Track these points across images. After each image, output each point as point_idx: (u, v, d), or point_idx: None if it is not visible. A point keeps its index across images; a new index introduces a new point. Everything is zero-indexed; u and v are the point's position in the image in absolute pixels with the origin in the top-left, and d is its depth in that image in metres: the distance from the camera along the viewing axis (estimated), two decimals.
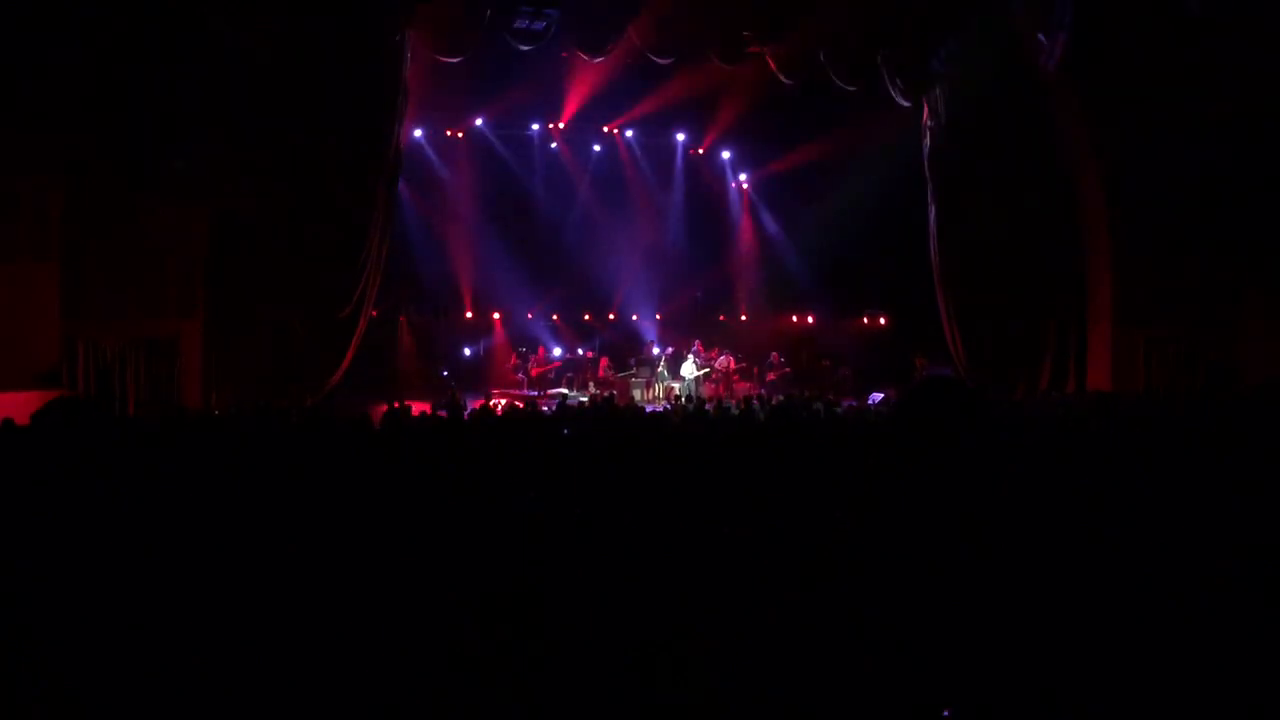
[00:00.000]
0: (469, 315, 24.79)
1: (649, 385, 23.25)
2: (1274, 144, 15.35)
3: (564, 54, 19.43)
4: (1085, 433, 7.90)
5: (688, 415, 12.73)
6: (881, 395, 19.15)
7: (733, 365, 23.41)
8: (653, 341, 24.93)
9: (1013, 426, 9.32)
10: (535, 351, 23.31)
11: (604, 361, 23.72)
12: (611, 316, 26.50)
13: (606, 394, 19.70)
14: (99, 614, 3.72)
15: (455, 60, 17.42)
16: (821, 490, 5.25)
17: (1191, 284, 16.98)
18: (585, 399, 18.92)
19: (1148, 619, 2.50)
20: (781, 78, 19.19)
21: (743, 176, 27.26)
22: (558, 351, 24.97)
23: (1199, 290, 16.94)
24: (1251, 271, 16.46)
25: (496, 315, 25.32)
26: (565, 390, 22.68)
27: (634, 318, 26.63)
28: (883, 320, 25.43)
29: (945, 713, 2.22)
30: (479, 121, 23.94)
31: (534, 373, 22.56)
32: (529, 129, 24.74)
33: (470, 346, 25.02)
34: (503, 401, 17.58)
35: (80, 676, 3.42)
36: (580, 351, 24.69)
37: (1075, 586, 2.56)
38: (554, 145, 25.33)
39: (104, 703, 3.33)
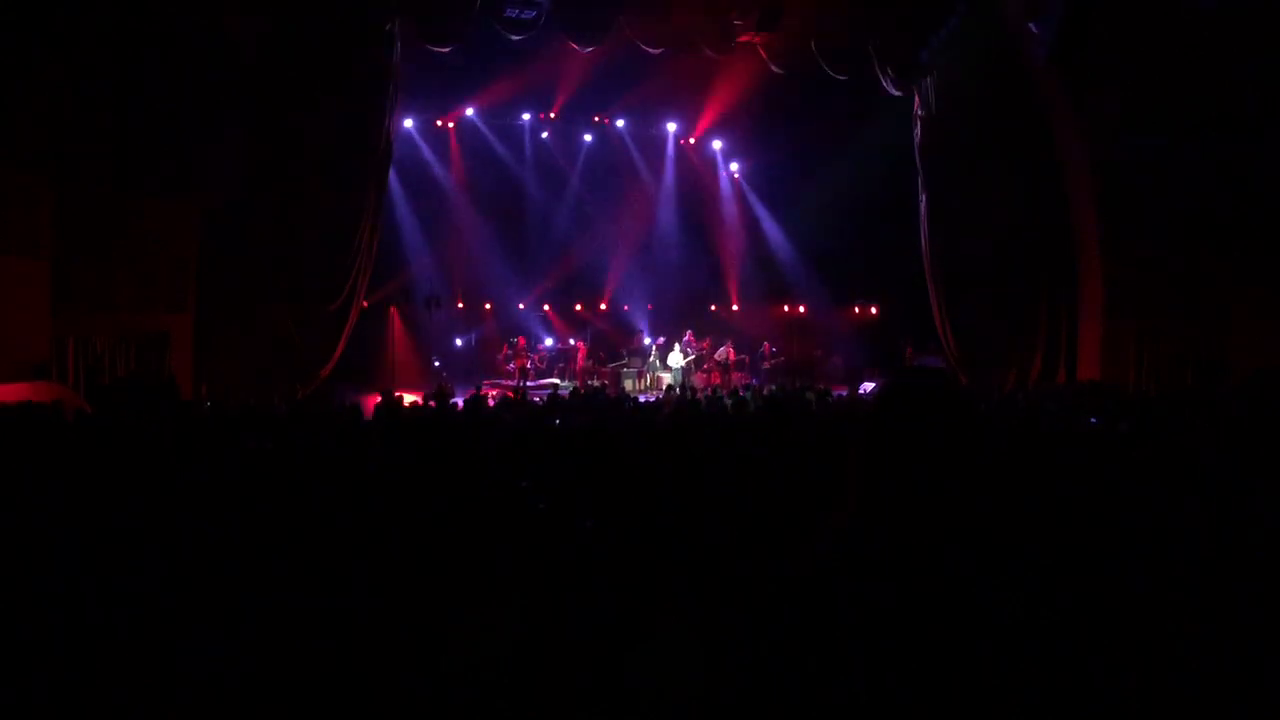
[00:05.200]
0: (460, 306, 24.75)
1: (641, 375, 23.30)
2: (1266, 138, 15.38)
3: (554, 44, 19.37)
4: (1077, 427, 7.92)
5: (678, 406, 12.74)
6: (873, 385, 19.17)
7: (732, 356, 23.46)
8: (644, 331, 24.94)
9: (1000, 418, 9.33)
10: (518, 341, 23.21)
11: (582, 350, 23.72)
12: (603, 307, 26.49)
13: (600, 385, 19.72)
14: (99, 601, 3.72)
15: (445, 50, 17.34)
16: (812, 482, 5.25)
17: (1182, 277, 17.00)
18: (568, 390, 18.93)
19: (1137, 613, 2.51)
20: (773, 67, 19.16)
21: (734, 166, 27.24)
22: (549, 342, 24.97)
23: (1190, 284, 16.96)
24: (1242, 265, 16.50)
25: (488, 305, 25.30)
26: (557, 380, 22.70)
27: (625, 308, 26.62)
28: (874, 310, 25.46)
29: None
30: (469, 111, 23.87)
31: (524, 363, 22.55)
32: (520, 119, 24.67)
33: (461, 337, 25.00)
34: (493, 392, 17.58)
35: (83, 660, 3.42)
36: (572, 342, 24.70)
37: (1062, 581, 2.57)
38: (545, 135, 25.28)
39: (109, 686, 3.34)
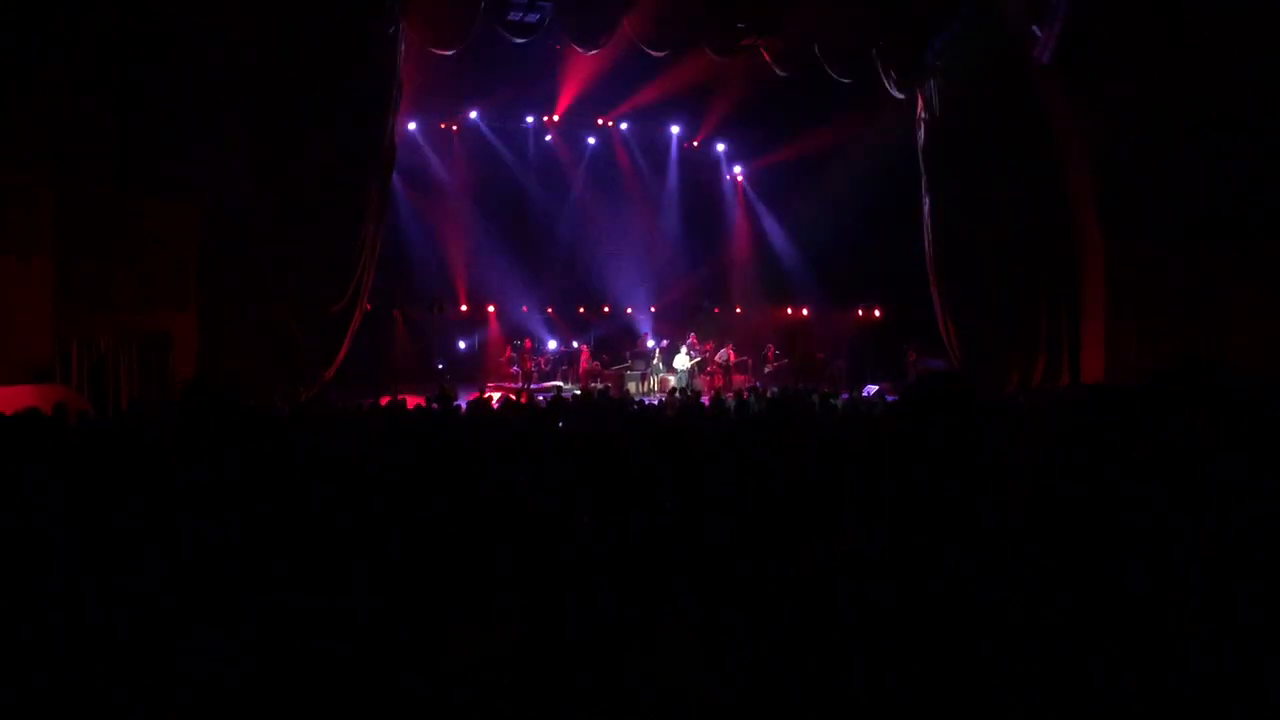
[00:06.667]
0: (463, 308, 24.77)
1: (644, 378, 23.31)
2: (1266, 138, 15.39)
3: (558, 47, 19.41)
4: (1086, 427, 7.90)
5: (681, 408, 12.73)
6: (876, 387, 19.16)
7: (733, 358, 23.48)
8: (647, 334, 24.95)
9: (1014, 421, 9.32)
10: (524, 344, 23.18)
11: (585, 353, 23.73)
12: (606, 309, 26.50)
13: (603, 387, 19.69)
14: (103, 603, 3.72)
15: (449, 53, 17.37)
16: (820, 485, 5.24)
17: (1183, 277, 17.03)
18: (571, 392, 18.94)
19: (1137, 613, 2.50)
20: (776, 70, 19.17)
21: (737, 169, 27.27)
22: (552, 344, 24.97)
23: (1190, 283, 16.99)
24: (1242, 265, 16.53)
25: (491, 308, 25.31)
26: (560, 383, 22.69)
27: (629, 310, 26.63)
28: (877, 312, 25.45)
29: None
30: (473, 114, 23.92)
31: (528, 365, 22.56)
32: (523, 122, 24.71)
33: (465, 340, 25.01)
34: (497, 395, 17.57)
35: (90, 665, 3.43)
36: (575, 344, 24.71)
37: (1078, 584, 2.56)
38: (548, 138, 25.30)
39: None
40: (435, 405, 12.66)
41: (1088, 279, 18.60)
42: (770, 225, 26.64)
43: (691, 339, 23.41)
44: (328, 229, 16.91)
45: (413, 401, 14.36)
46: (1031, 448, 5.70)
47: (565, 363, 24.37)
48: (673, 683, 3.17)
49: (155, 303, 15.50)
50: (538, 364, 23.20)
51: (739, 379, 23.16)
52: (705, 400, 14.42)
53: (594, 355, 23.95)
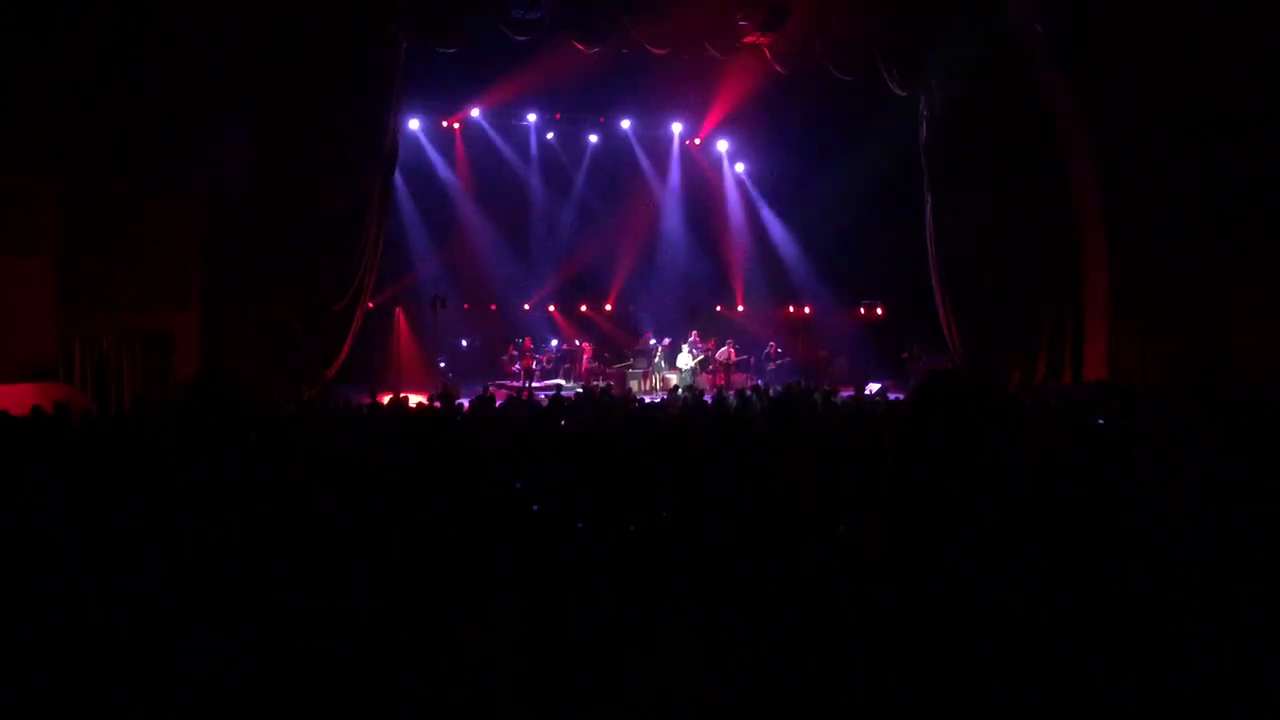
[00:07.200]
0: (465, 307, 24.73)
1: (646, 376, 23.28)
2: (1266, 138, 15.38)
3: (560, 44, 19.36)
4: (1079, 426, 7.90)
5: (684, 407, 12.72)
6: (879, 385, 19.13)
7: (734, 356, 23.46)
8: (649, 332, 24.92)
9: (1015, 420, 9.31)
10: (524, 342, 23.13)
11: (587, 351, 23.71)
12: (608, 308, 26.47)
13: (605, 385, 19.67)
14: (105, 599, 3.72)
15: (451, 50, 17.35)
16: (820, 485, 5.23)
17: (1184, 277, 17.00)
18: (572, 391, 18.94)
19: (1137, 613, 2.50)
20: (778, 68, 19.14)
21: (740, 167, 27.20)
22: (554, 343, 24.95)
23: (1192, 283, 16.96)
24: (1243, 265, 16.52)
25: (493, 306, 25.28)
26: (561, 381, 22.67)
27: (631, 308, 26.61)
28: (880, 310, 25.42)
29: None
30: (475, 112, 23.87)
31: (529, 364, 22.55)
32: (525, 119, 24.66)
33: (467, 338, 24.99)
34: (500, 394, 17.57)
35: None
36: (577, 343, 24.68)
37: (1078, 584, 2.56)
38: (550, 136, 25.26)
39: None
40: (439, 404, 12.67)
41: (1089, 278, 18.57)
42: (772, 223, 26.57)
43: (694, 337, 23.38)
44: (329, 228, 16.91)
45: (415, 400, 14.37)
46: (1032, 447, 5.69)
47: (567, 361, 24.34)
48: (673, 683, 3.17)
49: (156, 302, 15.53)
50: (539, 362, 23.18)
51: (738, 378, 23.14)
52: (708, 399, 14.41)
53: (596, 353, 23.94)
